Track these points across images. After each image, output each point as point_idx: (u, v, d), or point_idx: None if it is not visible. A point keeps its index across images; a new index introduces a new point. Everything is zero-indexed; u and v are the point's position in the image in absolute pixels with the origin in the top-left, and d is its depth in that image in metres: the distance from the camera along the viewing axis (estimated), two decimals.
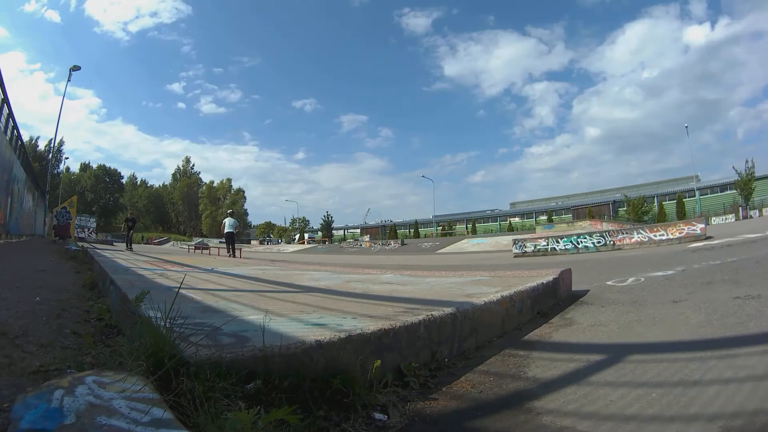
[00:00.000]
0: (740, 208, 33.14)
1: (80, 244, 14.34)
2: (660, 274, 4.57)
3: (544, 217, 52.27)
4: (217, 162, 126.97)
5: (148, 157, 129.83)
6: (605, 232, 17.61)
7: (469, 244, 33.52)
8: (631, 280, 4.24)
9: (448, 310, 1.84)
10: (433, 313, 1.75)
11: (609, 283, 4.12)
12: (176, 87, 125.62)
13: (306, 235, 72.97)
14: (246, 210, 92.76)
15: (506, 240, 26.98)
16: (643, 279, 4.23)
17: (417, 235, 54.68)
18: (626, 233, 16.24)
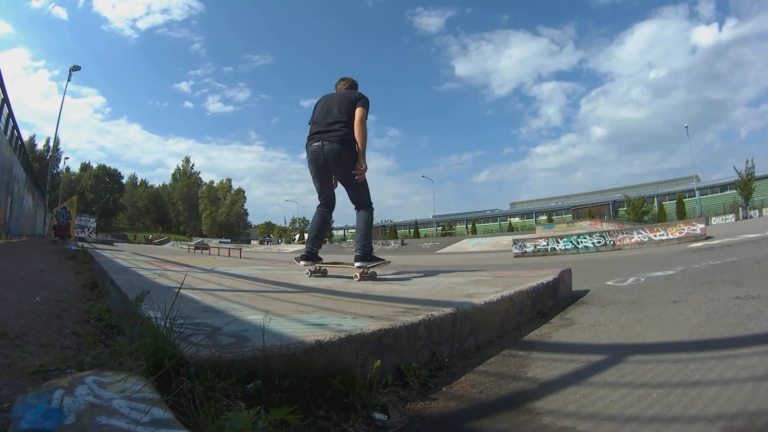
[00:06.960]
0: (740, 208, 33.16)
1: (80, 244, 14.34)
2: (660, 274, 4.56)
3: (544, 217, 52.31)
4: (222, 161, 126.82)
5: (151, 156, 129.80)
6: (605, 232, 17.63)
7: (469, 244, 33.55)
8: (631, 280, 4.24)
9: (448, 310, 1.84)
10: (433, 313, 1.75)
11: (609, 283, 4.11)
12: (184, 86, 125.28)
13: (306, 235, 73.00)
14: (246, 210, 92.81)
15: (506, 240, 27.02)
16: (643, 279, 4.22)
17: (417, 235, 54.73)
18: (626, 233, 16.26)
